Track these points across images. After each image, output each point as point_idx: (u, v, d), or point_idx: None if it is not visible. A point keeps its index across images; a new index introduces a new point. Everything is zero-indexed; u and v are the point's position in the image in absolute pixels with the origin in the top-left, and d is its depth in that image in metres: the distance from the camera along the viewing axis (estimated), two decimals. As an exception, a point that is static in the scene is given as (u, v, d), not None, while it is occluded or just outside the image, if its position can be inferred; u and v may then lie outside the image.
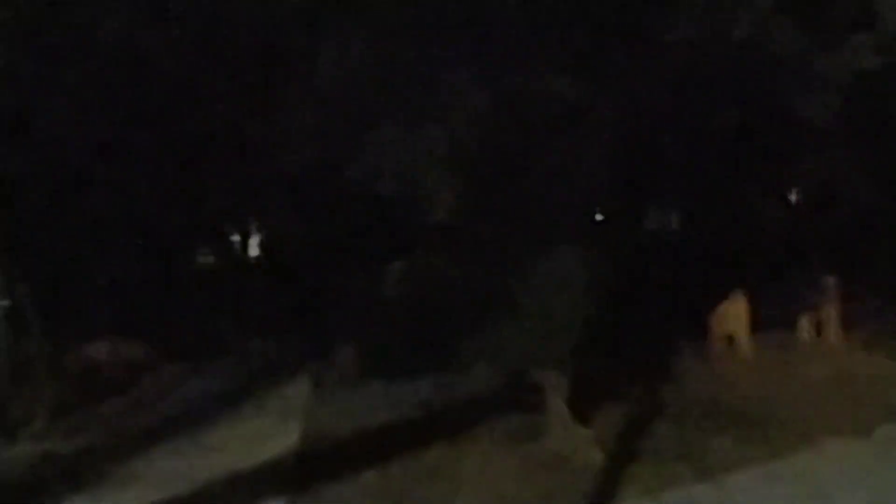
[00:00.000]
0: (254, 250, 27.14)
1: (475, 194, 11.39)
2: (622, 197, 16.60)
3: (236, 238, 26.20)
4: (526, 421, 11.10)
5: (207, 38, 12.99)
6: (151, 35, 12.78)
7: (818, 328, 15.63)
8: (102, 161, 14.08)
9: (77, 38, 12.51)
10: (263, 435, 11.77)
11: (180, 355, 16.07)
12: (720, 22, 11.49)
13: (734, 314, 15.17)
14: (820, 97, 12.21)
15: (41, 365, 13.29)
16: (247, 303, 19.98)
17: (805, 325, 15.57)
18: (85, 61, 12.64)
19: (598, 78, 11.39)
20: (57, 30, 12.36)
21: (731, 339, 15.19)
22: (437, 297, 12.59)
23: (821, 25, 11.94)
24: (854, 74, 11.78)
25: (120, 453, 10.94)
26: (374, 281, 15.15)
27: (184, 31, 13.06)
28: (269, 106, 13.49)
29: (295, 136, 13.15)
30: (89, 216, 15.15)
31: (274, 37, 13.14)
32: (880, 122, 14.09)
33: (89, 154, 13.60)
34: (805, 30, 11.70)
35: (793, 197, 20.18)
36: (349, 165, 12.43)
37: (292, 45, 12.92)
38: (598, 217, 16.69)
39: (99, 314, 16.38)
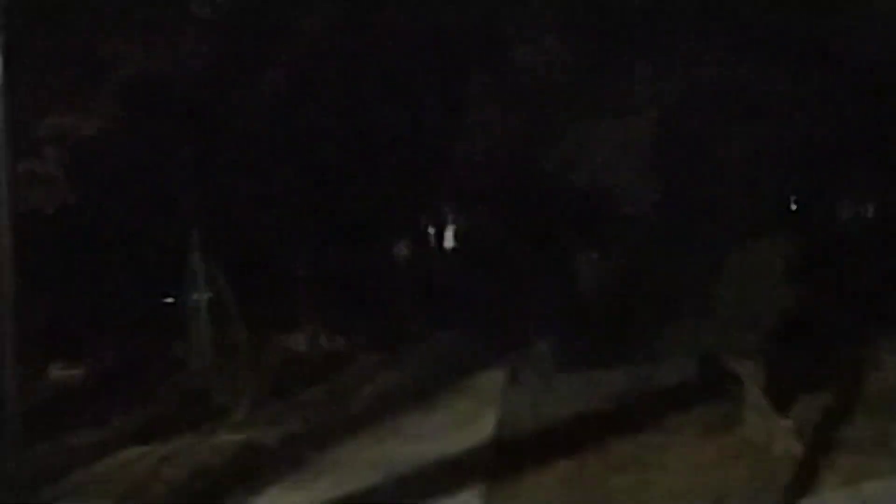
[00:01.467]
0: (449, 242, 27.05)
1: (670, 185, 11.40)
2: (817, 185, 16.23)
3: (432, 230, 25.95)
4: (723, 410, 11.00)
5: (408, 34, 13.58)
6: (351, 31, 13.46)
7: None
8: (302, 153, 14.50)
9: (280, 35, 13.40)
10: (460, 425, 11.94)
11: (378, 346, 16.69)
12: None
13: None
14: None
15: (242, 355, 13.81)
16: (442, 294, 20.32)
17: None
18: (286, 56, 13.42)
19: (783, 64, 11.19)
20: (264, 27, 13.34)
21: None
22: (632, 288, 12.69)
23: None
24: None
25: (320, 442, 11.30)
26: (569, 273, 15.20)
27: (384, 28, 13.41)
28: (467, 98, 13.84)
29: (490, 127, 13.49)
30: (289, 209, 15.51)
31: (471, 30, 13.36)
32: None
33: (289, 146, 14.19)
34: None
35: None
36: (545, 157, 12.67)
37: (490, 38, 13.12)
38: (794, 206, 16.34)
39: (298, 305, 16.98)
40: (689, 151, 11.61)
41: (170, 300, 15.74)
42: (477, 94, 13.94)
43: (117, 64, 12.18)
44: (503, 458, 10.49)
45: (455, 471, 10.10)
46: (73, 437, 11.29)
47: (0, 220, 7.33)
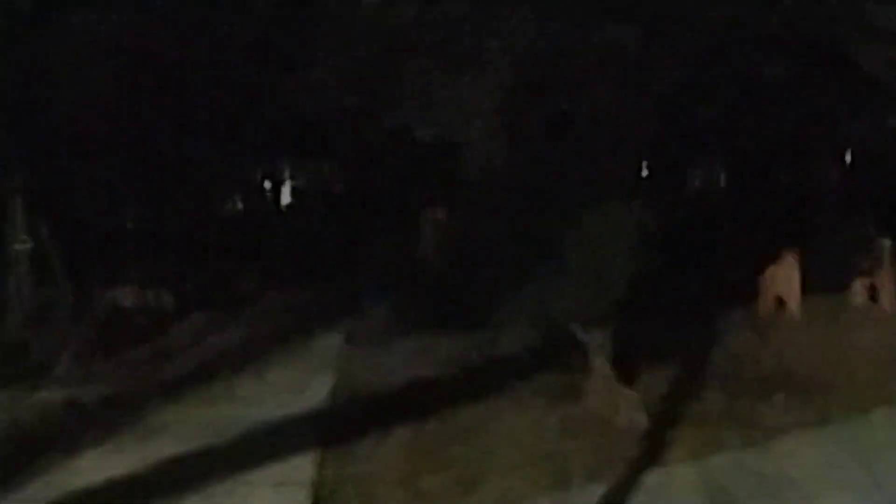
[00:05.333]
0: (286, 198, 27.40)
1: (519, 144, 11.47)
2: (669, 152, 16.68)
3: (268, 186, 26.38)
4: (568, 380, 11.02)
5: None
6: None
7: (871, 293, 15.47)
8: (133, 102, 14.10)
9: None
10: (293, 387, 11.85)
11: (209, 305, 16.17)
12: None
13: (784, 276, 15.00)
14: (879, 49, 12.26)
15: (64, 310, 13.45)
16: (278, 253, 19.98)
17: (858, 289, 15.42)
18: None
19: (650, 27, 11.37)
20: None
21: (780, 302, 15.07)
22: (476, 250, 12.56)
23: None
24: None
25: (145, 402, 11.00)
26: (412, 234, 15.38)
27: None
28: (304, 51, 13.59)
29: (329, 81, 13.22)
30: (118, 160, 15.24)
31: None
32: None
33: (120, 93, 13.65)
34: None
35: (847, 155, 20.19)
36: (387, 112, 12.56)
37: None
38: (645, 172, 16.72)
39: (126, 260, 16.41)
40: (542, 112, 11.70)
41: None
42: (318, 47, 13.70)
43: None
44: (338, 423, 10.40)
45: (288, 435, 9.98)
46: None
47: None
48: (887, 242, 15.39)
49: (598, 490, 8.33)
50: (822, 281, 15.55)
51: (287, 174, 26.85)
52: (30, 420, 9.81)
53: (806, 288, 15.24)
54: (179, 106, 14.93)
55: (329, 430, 10.29)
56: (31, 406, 10.33)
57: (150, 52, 13.71)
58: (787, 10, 12.65)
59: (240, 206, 25.96)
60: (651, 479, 8.43)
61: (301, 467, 8.97)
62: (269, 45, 14.43)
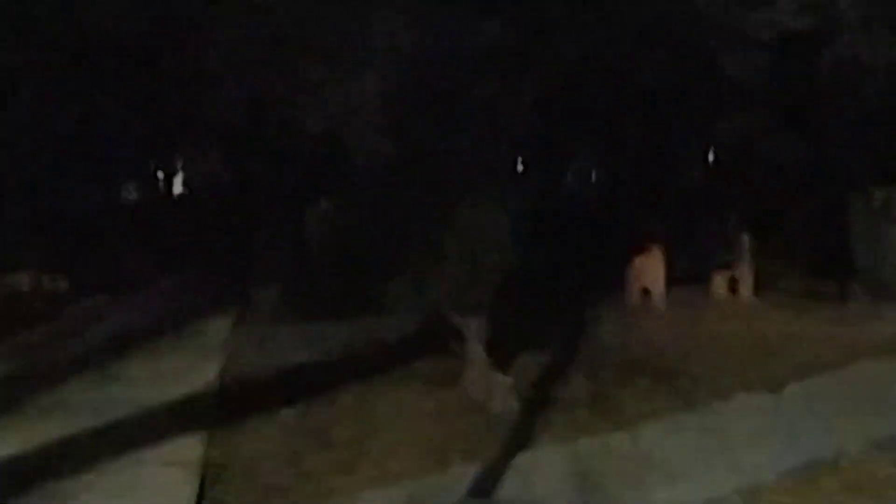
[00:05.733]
0: (178, 187, 27.43)
1: (402, 138, 11.48)
2: (543, 148, 16.96)
3: (162, 175, 26.51)
4: (445, 366, 11.43)
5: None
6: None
7: (732, 285, 16.21)
8: (26, 86, 13.99)
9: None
10: (183, 370, 11.93)
11: (102, 289, 16.39)
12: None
13: (650, 268, 15.67)
14: (744, 55, 12.71)
15: None
16: (170, 240, 20.18)
17: (719, 281, 16.15)
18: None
19: (526, 24, 11.50)
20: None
21: (646, 292, 15.73)
22: (360, 239, 12.83)
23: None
24: (779, 34, 12.31)
25: (37, 383, 10.98)
26: (299, 222, 15.34)
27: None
28: (195, 42, 13.42)
29: (221, 72, 13.12)
30: (13, 146, 14.97)
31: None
32: (803, 82, 14.57)
33: (14, 83, 13.68)
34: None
35: (711, 154, 20.79)
36: (277, 104, 12.50)
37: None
38: (520, 168, 16.96)
39: (20, 245, 16.28)
40: (424, 105, 11.79)
41: None
42: (210, 40, 13.49)
43: None
44: (226, 406, 10.54)
45: (177, 416, 10.12)
46: None
47: None
48: (747, 238, 16.06)
49: (472, 470, 8.48)
50: (686, 273, 16.36)
51: (179, 165, 26.73)
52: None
53: (670, 280, 15.89)
54: (75, 95, 14.76)
55: (217, 411, 10.40)
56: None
57: (49, 38, 13.34)
58: (660, 14, 12.94)
59: (134, 195, 25.91)
60: (522, 460, 8.63)
61: (190, 447, 9.01)
62: (162, 38, 14.05)
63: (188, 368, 12.16)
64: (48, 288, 15.82)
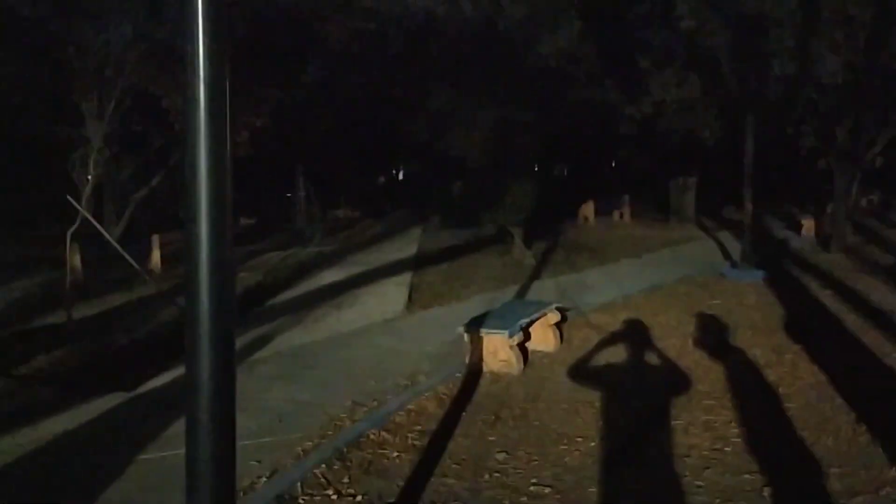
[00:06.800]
0: (400, 176, 38.30)
1: (487, 155, 16.01)
2: (543, 160, 22.90)
3: (394, 171, 37.04)
4: (505, 247, 17.24)
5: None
6: None
7: (621, 215, 25.83)
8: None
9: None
10: (403, 247, 17.86)
11: (372, 215, 25.45)
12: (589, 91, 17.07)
13: (588, 208, 25.02)
14: (625, 122, 19.61)
15: None
16: (398, 196, 30.44)
17: (616, 214, 25.78)
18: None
19: (532, 107, 15.64)
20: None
21: (586, 219, 25.16)
22: (471, 197, 16.79)
23: (626, 89, 17.78)
24: (641, 114, 18.46)
25: (355, 250, 16.55)
26: (448, 190, 18.80)
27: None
28: (417, 114, 18.34)
29: (427, 135, 17.73)
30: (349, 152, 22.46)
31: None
32: (652, 135, 22.04)
33: None
34: (623, 91, 18.14)
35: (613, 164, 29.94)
36: (440, 142, 17.19)
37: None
38: (535, 167, 22.86)
39: (354, 199, 25.90)
40: (497, 142, 15.97)
41: None
42: (425, 114, 17.83)
43: None
44: (418, 261, 15.49)
45: (400, 265, 14.75)
46: None
47: None
48: (626, 196, 25.08)
49: (516, 288, 12.59)
50: (602, 211, 25.74)
51: (401, 167, 36.38)
52: None
53: (596, 213, 25.21)
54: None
55: (415, 263, 15.34)
56: None
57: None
58: (585, 100, 18.46)
59: (383, 179, 35.53)
60: (535, 284, 13.16)
61: (405, 277, 13.40)
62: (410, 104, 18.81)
63: (405, 247, 18.22)
64: (351, 216, 23.40)
